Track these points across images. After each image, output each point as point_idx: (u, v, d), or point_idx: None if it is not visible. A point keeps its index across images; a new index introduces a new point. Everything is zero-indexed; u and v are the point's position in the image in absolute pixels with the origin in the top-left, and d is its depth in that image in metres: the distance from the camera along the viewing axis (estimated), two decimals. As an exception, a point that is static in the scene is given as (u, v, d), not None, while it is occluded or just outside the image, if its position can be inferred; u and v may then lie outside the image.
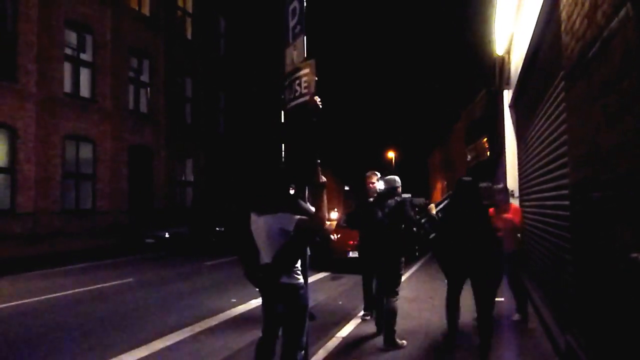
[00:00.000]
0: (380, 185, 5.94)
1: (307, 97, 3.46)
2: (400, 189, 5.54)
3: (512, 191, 8.27)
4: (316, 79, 3.44)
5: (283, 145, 4.00)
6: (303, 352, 3.95)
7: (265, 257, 3.34)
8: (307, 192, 3.80)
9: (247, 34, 24.96)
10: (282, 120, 3.95)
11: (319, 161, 3.38)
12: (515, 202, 7.94)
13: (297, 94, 3.60)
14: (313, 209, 3.49)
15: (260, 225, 3.34)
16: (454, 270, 4.84)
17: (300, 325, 3.37)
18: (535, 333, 5.25)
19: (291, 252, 3.28)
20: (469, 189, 4.92)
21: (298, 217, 3.24)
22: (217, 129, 23.30)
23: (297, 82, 3.59)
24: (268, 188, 3.42)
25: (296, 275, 3.31)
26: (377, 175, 5.96)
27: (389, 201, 5.29)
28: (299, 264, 3.38)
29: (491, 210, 5.63)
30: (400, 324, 5.10)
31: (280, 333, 3.41)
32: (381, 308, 5.19)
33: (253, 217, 3.43)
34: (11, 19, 13.67)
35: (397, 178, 5.55)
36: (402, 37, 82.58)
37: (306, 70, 3.50)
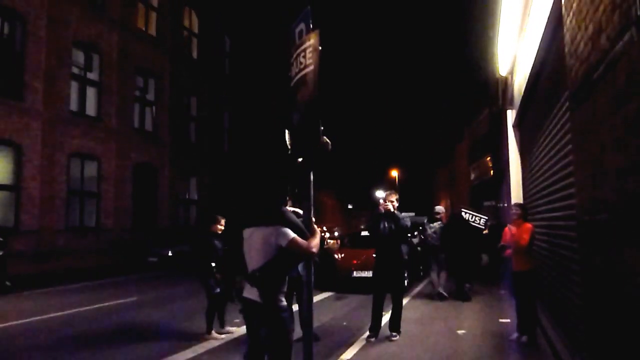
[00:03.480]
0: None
1: (311, 68, 3.41)
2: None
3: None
4: (320, 48, 3.39)
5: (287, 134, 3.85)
6: None
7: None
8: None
9: (252, 53, 25.25)
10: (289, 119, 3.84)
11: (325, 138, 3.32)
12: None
13: (301, 66, 3.54)
14: (301, 224, 3.46)
15: (254, 238, 3.27)
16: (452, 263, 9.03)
17: (284, 350, 3.25)
18: (543, 355, 5.16)
19: (280, 266, 3.20)
20: (460, 218, 9.79)
21: (293, 236, 3.20)
22: (221, 147, 23.42)
23: (303, 54, 3.54)
24: (264, 200, 3.39)
25: (280, 298, 3.25)
26: (396, 194, 6.43)
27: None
28: (284, 287, 3.33)
29: (507, 229, 6.04)
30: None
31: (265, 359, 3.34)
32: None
33: (246, 232, 3.39)
34: (20, 39, 13.89)
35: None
36: (406, 56, 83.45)
37: (310, 42, 3.46)
